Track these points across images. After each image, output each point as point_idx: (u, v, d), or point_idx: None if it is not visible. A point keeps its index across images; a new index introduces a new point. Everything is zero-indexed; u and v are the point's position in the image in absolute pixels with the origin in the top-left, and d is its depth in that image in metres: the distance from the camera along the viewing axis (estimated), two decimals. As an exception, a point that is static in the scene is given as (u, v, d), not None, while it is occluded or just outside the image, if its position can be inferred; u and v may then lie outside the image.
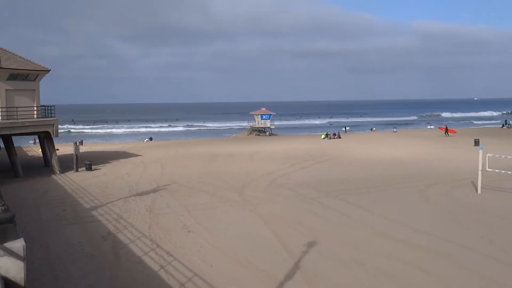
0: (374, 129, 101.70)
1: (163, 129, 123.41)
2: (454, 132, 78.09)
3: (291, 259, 18.01)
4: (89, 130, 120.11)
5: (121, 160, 49.15)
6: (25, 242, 9.89)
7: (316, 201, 28.24)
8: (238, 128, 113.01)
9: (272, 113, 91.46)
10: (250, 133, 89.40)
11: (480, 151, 30.37)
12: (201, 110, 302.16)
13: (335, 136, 75.75)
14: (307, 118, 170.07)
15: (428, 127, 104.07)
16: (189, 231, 22.06)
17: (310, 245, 19.56)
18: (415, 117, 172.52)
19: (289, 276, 16.25)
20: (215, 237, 21.09)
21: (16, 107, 38.83)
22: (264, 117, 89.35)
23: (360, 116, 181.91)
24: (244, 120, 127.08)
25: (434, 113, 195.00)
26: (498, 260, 17.53)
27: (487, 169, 30.32)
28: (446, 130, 76.87)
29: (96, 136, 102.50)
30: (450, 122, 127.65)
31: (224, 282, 15.86)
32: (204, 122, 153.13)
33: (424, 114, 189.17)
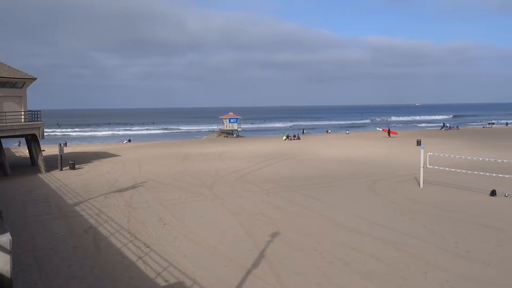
0: (329, 131, 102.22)
1: (141, 132, 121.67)
2: (396, 133, 79.11)
3: (256, 248, 17.85)
4: (73, 133, 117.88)
5: (102, 160, 48.35)
6: (13, 235, 9.52)
7: (278, 195, 28.15)
8: (209, 131, 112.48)
9: (239, 117, 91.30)
10: (219, 135, 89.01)
11: (422, 150, 30.72)
12: (176, 114, 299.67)
13: (295, 138, 75.94)
14: (270, 122, 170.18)
15: (377, 129, 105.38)
16: (164, 224, 21.71)
17: (274, 235, 19.45)
18: (367, 121, 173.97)
19: (256, 264, 16.08)
20: (188, 229, 20.79)
21: (5, 112, 37.93)
22: (232, 120, 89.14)
23: (317, 120, 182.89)
24: (214, 123, 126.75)
25: (384, 118, 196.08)
26: (439, 246, 17.66)
27: (428, 166, 30.70)
28: (389, 132, 77.85)
29: (79, 138, 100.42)
30: (400, 124, 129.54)
31: (197, 270, 15.58)
32: (178, 125, 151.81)
33: (378, 119, 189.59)
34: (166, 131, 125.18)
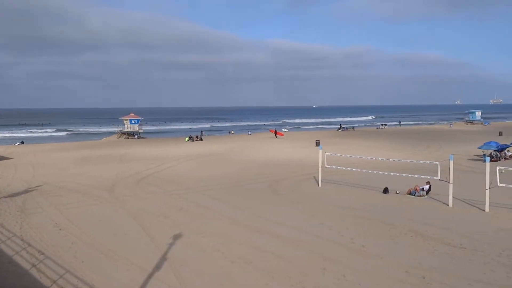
0: (232, 132, 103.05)
1: (36, 134, 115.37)
2: (282, 134, 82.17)
3: (158, 250, 17.51)
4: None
5: (-8, 163, 45.24)
6: None
7: (180, 196, 27.87)
8: (109, 132, 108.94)
9: (140, 118, 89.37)
10: (120, 137, 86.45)
11: (320, 151, 31.73)
12: (74, 115, 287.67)
13: (198, 139, 75.67)
14: (172, 123, 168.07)
15: (283, 129, 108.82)
16: (60, 229, 20.68)
17: (176, 237, 19.20)
18: (270, 122, 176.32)
19: (158, 267, 15.76)
20: (86, 234, 19.96)
21: None
22: (133, 121, 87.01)
23: (220, 121, 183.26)
24: (114, 124, 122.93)
25: (286, 119, 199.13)
26: (337, 243, 18.33)
27: (326, 165, 31.74)
28: (275, 133, 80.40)
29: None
30: (308, 127, 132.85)
31: (95, 276, 14.99)
32: (77, 126, 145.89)
33: (288, 120, 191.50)
34: (63, 133, 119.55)
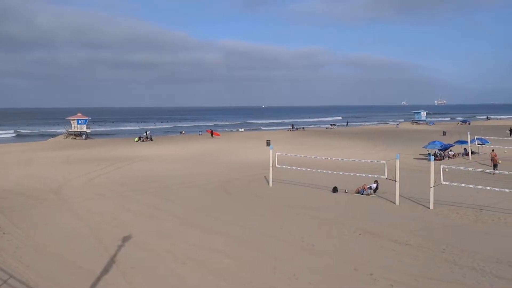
0: (183, 132, 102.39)
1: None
2: (218, 135, 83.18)
3: (107, 253, 17.16)
4: None
5: None
6: None
7: (130, 198, 27.41)
8: (55, 133, 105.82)
9: (87, 118, 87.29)
10: (66, 137, 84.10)
11: (271, 151, 31.93)
12: (18, 115, 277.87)
13: (148, 139, 74.68)
14: (122, 124, 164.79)
15: (240, 129, 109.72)
16: (4, 233, 19.93)
17: (125, 239, 18.87)
18: (224, 122, 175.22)
19: (106, 270, 15.43)
20: (31, 238, 19.34)
21: None
22: (80, 122, 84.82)
23: (168, 122, 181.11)
24: (61, 125, 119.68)
25: (238, 121, 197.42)
26: (287, 242, 18.48)
27: (277, 165, 31.93)
28: (212, 133, 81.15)
29: None
30: (273, 127, 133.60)
31: (41, 281, 14.55)
32: (20, 127, 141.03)
33: (247, 121, 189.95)
34: (7, 134, 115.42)
